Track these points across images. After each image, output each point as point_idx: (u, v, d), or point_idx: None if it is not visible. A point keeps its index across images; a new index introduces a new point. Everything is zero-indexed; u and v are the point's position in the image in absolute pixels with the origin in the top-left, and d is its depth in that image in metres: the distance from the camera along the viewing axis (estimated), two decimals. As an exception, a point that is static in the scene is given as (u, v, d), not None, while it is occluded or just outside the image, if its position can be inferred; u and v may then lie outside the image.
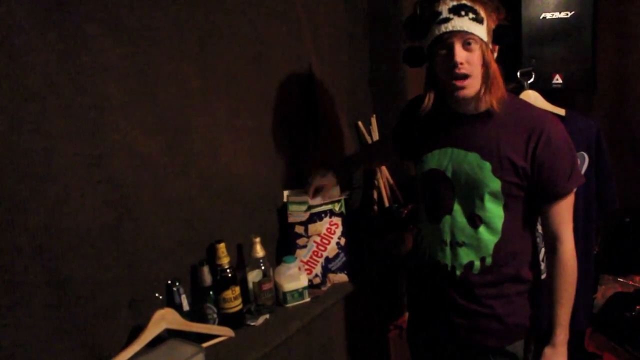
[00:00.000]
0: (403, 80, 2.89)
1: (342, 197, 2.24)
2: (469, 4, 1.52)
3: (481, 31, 1.53)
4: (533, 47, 3.08)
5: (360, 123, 2.65)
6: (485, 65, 1.55)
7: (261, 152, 2.13)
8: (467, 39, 1.52)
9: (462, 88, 1.56)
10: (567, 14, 3.03)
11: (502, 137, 1.62)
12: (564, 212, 1.66)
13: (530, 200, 1.67)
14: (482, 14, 1.53)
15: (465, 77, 1.54)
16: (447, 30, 1.52)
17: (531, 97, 2.37)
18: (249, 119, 2.06)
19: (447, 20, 1.52)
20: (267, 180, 2.16)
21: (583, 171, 2.36)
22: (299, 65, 2.28)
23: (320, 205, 2.17)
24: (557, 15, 3.05)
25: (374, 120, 2.70)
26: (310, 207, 2.14)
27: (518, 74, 2.56)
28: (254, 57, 2.07)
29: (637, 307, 2.87)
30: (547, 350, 1.71)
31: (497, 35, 1.57)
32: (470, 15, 1.51)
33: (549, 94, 2.51)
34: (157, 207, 1.74)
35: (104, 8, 1.55)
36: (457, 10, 1.51)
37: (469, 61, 1.53)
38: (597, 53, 3.10)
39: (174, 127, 1.78)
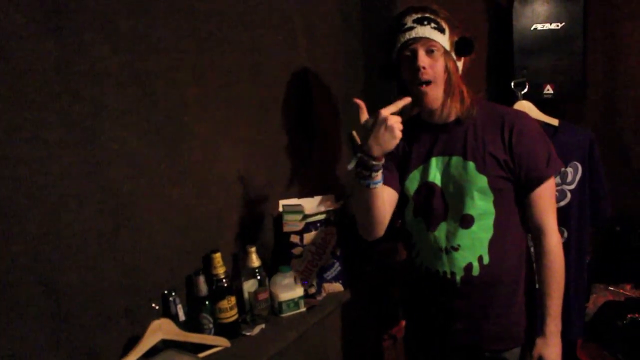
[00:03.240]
0: (396, 91, 2.90)
1: (337, 207, 2.24)
2: (431, 16, 1.64)
3: (443, 40, 1.64)
4: (524, 58, 3.11)
5: (354, 132, 2.65)
6: (447, 72, 1.65)
7: (257, 161, 2.13)
8: (429, 46, 1.63)
9: (426, 93, 1.65)
10: (558, 25, 3.06)
11: (479, 136, 1.70)
12: (546, 201, 1.72)
13: (517, 196, 1.73)
14: (444, 25, 1.65)
15: (428, 82, 1.64)
16: (411, 37, 1.64)
17: (525, 107, 2.40)
18: (245, 128, 2.06)
19: (410, 28, 1.64)
20: (262, 189, 2.16)
21: (576, 181, 2.38)
22: (295, 75, 2.29)
23: (316, 214, 2.16)
24: (547, 26, 3.08)
25: (368, 129, 2.70)
26: (305, 217, 2.14)
27: (512, 84, 2.59)
28: (250, 66, 2.07)
29: (629, 315, 2.88)
30: (539, 341, 1.74)
31: (458, 47, 1.68)
32: (432, 25, 1.63)
33: (540, 104, 2.54)
34: (153, 216, 1.73)
35: (103, 16, 1.55)
36: (420, 21, 1.64)
37: (431, 67, 1.63)
38: (587, 63, 3.13)
39: (171, 136, 1.77)
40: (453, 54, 1.67)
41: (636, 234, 3.24)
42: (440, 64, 1.64)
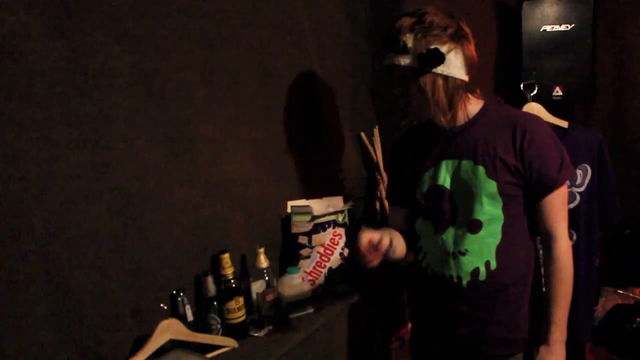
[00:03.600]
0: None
1: (346, 208, 2.23)
2: (397, 36, 1.60)
3: (407, 60, 1.60)
4: (533, 60, 3.11)
5: (363, 134, 2.65)
6: (422, 91, 1.61)
7: (265, 162, 2.13)
8: (397, 73, 1.64)
9: (410, 113, 1.69)
10: (567, 27, 3.06)
11: (490, 140, 1.67)
12: (557, 208, 1.69)
13: (527, 201, 1.70)
14: (409, 42, 1.58)
15: (407, 104, 1.66)
16: (385, 64, 1.66)
17: (534, 109, 2.39)
18: (253, 128, 2.06)
19: (383, 56, 1.65)
20: (270, 190, 2.16)
21: (586, 183, 2.37)
22: (302, 76, 2.29)
23: (324, 215, 2.16)
24: (557, 28, 3.08)
25: (376, 131, 2.70)
26: (314, 218, 2.14)
27: (521, 86, 2.58)
28: (258, 67, 2.08)
29: (638, 319, 2.87)
30: (542, 349, 1.72)
31: (423, 60, 1.59)
32: (395, 48, 1.60)
33: (550, 106, 2.53)
34: (161, 216, 1.73)
35: (113, 17, 1.56)
36: (388, 45, 1.63)
37: (405, 90, 1.64)
38: (596, 65, 3.13)
39: (179, 136, 1.78)
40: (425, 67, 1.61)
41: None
42: (411, 86, 1.62)
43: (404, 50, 1.59)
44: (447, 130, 1.72)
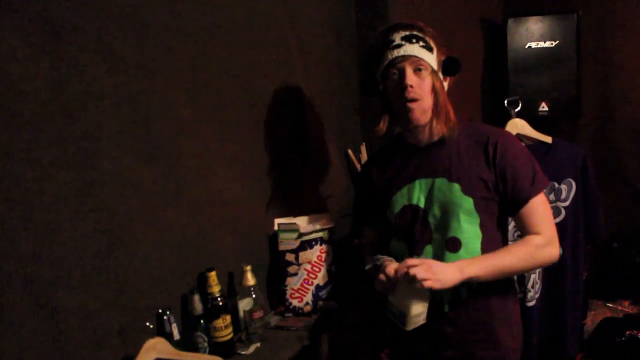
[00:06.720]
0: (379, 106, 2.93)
1: (332, 225, 2.24)
2: (420, 34, 1.62)
3: (431, 59, 1.62)
4: (519, 76, 3.15)
5: (350, 151, 2.67)
6: (434, 92, 1.63)
7: (252, 180, 2.14)
8: (417, 65, 1.62)
9: (413, 110, 1.62)
10: (552, 44, 3.10)
11: (464, 157, 1.67)
12: (537, 212, 1.66)
13: (503, 216, 1.71)
14: (432, 44, 1.63)
15: (415, 100, 1.62)
16: (399, 54, 1.62)
17: (518, 125, 2.41)
18: (240, 147, 2.08)
19: (399, 46, 1.62)
20: (257, 207, 2.17)
21: (571, 197, 2.38)
22: (289, 94, 2.31)
23: (311, 233, 2.17)
24: (542, 44, 3.12)
25: (363, 148, 2.72)
26: (300, 235, 2.14)
27: (505, 102, 2.60)
28: (244, 85, 2.09)
29: (627, 332, 2.88)
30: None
31: (446, 66, 1.67)
32: (421, 43, 1.61)
33: (535, 122, 2.55)
34: (148, 235, 1.73)
35: (98, 37, 1.57)
36: (408, 38, 1.62)
37: (419, 86, 1.61)
38: (581, 81, 3.16)
39: (165, 155, 1.79)
40: (440, 74, 1.66)
41: (634, 250, 3.25)
42: (427, 83, 1.62)
43: (430, 49, 1.63)
44: (420, 147, 1.73)
